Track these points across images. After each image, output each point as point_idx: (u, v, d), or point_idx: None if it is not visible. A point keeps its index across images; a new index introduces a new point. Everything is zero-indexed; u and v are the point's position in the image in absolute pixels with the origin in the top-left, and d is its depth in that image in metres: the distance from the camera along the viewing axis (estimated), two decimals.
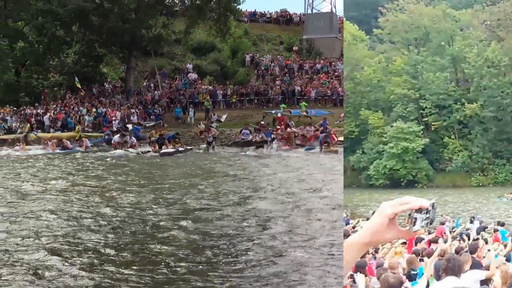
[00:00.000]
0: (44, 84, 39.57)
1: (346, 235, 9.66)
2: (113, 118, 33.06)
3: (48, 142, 27.54)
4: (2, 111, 34.12)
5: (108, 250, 8.53)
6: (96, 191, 14.57)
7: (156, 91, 39.15)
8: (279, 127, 29.81)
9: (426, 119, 29.34)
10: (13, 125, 32.69)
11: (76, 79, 35.76)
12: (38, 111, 34.26)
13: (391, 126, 29.33)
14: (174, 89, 39.93)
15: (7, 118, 33.20)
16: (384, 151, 29.43)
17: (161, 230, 9.99)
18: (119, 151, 25.87)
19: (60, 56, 40.27)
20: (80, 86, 35.74)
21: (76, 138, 29.01)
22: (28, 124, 31.89)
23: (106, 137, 29.71)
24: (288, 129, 28.90)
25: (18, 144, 27.36)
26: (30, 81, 38.91)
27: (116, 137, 27.38)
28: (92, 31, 39.66)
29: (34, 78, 39.36)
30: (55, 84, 40.06)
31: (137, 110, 34.80)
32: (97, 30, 39.17)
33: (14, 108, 34.69)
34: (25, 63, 39.28)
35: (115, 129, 30.97)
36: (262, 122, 30.35)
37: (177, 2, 42.73)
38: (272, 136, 27.92)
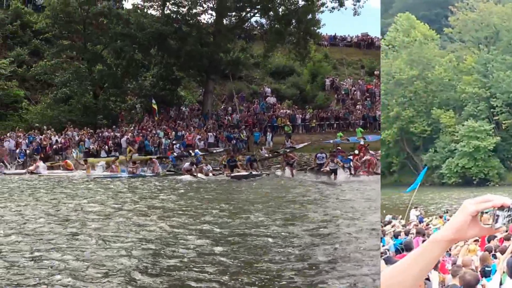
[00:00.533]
0: (121, 106, 39.88)
1: (421, 233, 10.63)
2: (174, 143, 32.70)
3: (112, 165, 27.63)
4: (80, 133, 34.43)
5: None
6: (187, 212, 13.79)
7: (234, 115, 38.65)
8: (358, 152, 28.36)
9: (497, 117, 29.66)
10: (91, 147, 32.82)
11: (153, 101, 35.81)
12: (116, 133, 34.32)
13: (463, 125, 30.18)
14: (252, 113, 39.30)
15: (85, 140, 33.44)
16: (456, 150, 30.42)
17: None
18: (188, 176, 25.59)
19: (138, 79, 40.68)
20: (156, 108, 35.75)
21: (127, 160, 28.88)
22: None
23: (172, 162, 29.75)
24: (368, 156, 27.26)
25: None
26: (108, 104, 39.23)
27: (187, 165, 27.17)
28: (170, 55, 39.88)
29: (111, 100, 39.69)
30: (133, 106, 40.28)
31: (215, 134, 34.36)
32: (175, 53, 39.33)
33: (91, 131, 34.93)
34: (103, 85, 39.72)
35: (176, 154, 30.72)
36: (339, 148, 29.19)
37: (256, 26, 42.43)
38: (350, 162, 26.53)
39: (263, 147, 32.47)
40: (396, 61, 36.28)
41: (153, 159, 28.80)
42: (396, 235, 11.15)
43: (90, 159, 29.32)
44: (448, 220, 14.05)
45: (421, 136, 32.81)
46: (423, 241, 10.24)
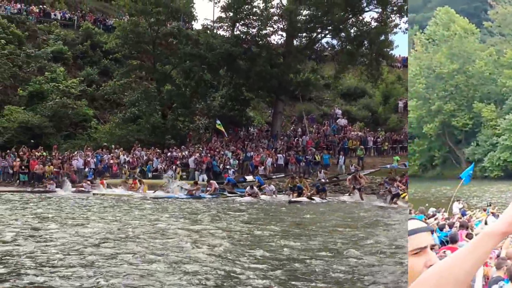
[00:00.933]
0: (189, 126, 39.92)
1: (464, 226, 10.99)
2: (228, 167, 32.28)
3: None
4: (148, 152, 34.57)
5: None
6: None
7: (303, 136, 37.97)
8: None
9: None
10: (159, 167, 32.82)
11: (218, 122, 35.68)
12: (184, 153, 34.23)
13: (504, 119, 30.37)
14: (322, 135, 38.53)
15: (153, 159, 33.50)
16: (498, 143, 30.73)
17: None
18: (248, 198, 25.33)
19: (206, 99, 40.73)
20: (222, 129, 35.60)
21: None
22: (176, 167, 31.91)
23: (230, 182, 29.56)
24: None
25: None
26: (176, 124, 39.34)
27: (248, 189, 26.78)
28: (239, 75, 39.80)
29: (180, 120, 39.83)
30: (201, 127, 40.29)
31: (285, 155, 33.78)
32: (245, 74, 39.20)
33: (159, 150, 34.99)
34: (172, 105, 39.97)
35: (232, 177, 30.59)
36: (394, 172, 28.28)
37: (327, 47, 41.93)
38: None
39: (321, 171, 31.64)
40: (437, 55, 36.09)
41: (211, 181, 28.72)
42: (441, 228, 11.46)
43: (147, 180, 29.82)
44: (492, 213, 13.21)
45: (463, 130, 33.06)
46: (467, 234, 9.77)
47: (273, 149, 34.95)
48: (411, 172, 37.23)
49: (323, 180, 30.00)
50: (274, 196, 26.30)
